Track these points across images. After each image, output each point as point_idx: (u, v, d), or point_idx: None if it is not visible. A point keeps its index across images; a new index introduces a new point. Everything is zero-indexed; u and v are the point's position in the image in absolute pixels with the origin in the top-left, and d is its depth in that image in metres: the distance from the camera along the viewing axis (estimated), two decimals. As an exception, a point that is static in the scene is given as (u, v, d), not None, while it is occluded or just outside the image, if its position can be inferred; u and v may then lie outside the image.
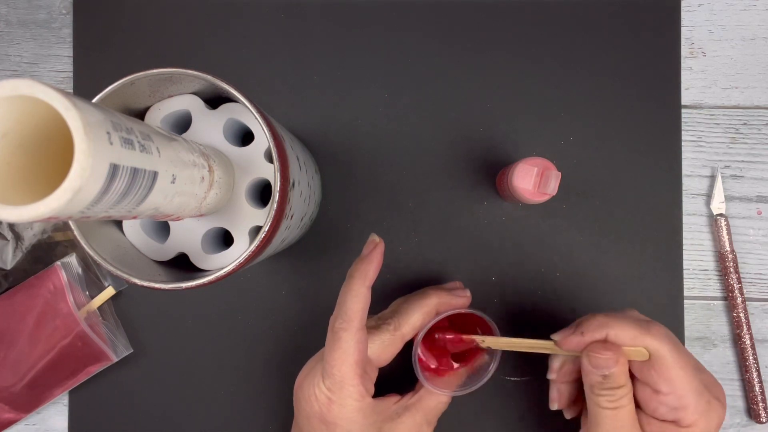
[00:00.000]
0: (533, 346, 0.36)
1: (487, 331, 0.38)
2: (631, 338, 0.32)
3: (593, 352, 0.33)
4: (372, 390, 0.36)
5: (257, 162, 0.34)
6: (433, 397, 0.37)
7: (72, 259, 0.46)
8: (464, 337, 0.38)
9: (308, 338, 0.46)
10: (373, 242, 0.36)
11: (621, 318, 0.33)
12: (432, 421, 0.38)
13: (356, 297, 0.34)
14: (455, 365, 0.40)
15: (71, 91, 0.48)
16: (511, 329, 0.46)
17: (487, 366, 0.38)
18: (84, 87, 0.48)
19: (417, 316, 0.37)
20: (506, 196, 0.43)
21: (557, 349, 0.35)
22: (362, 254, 0.35)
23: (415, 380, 0.38)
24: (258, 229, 0.34)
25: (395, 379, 0.40)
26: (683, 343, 0.45)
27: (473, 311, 0.38)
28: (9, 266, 0.46)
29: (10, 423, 0.45)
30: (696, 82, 0.47)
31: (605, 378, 0.32)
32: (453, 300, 0.39)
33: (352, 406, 0.34)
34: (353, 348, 0.34)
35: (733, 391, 0.46)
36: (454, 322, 0.40)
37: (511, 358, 0.45)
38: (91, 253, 0.29)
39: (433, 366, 0.39)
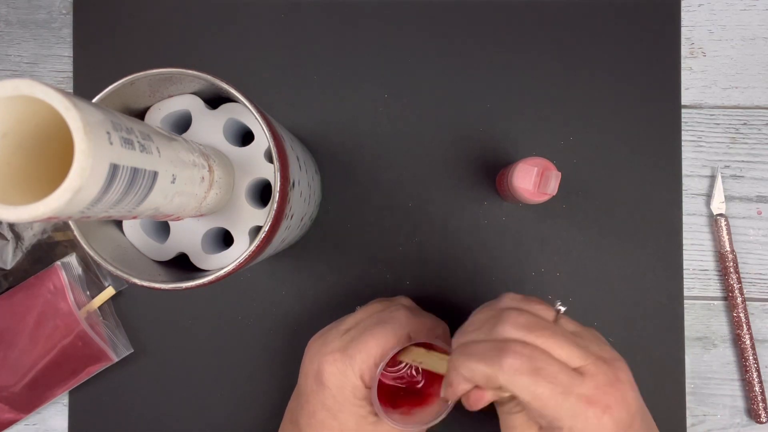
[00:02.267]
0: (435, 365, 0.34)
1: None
2: (486, 380, 0.29)
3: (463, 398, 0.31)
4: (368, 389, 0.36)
5: (257, 162, 0.34)
6: None
7: (72, 259, 0.46)
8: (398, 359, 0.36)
9: (308, 338, 0.46)
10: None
11: (474, 357, 0.30)
12: None
13: (436, 327, 0.37)
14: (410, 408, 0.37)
15: (71, 91, 0.48)
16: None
17: (437, 414, 0.36)
18: (84, 87, 0.48)
19: (375, 350, 0.35)
20: (506, 196, 0.43)
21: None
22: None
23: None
24: (258, 229, 0.34)
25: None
26: (683, 343, 0.45)
27: (442, 345, 0.35)
28: (9, 266, 0.46)
29: (10, 423, 0.45)
30: (696, 82, 0.47)
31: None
32: (419, 325, 0.36)
33: (350, 379, 0.34)
34: (392, 339, 0.35)
35: (733, 391, 0.46)
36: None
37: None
38: (91, 253, 0.29)
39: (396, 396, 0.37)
